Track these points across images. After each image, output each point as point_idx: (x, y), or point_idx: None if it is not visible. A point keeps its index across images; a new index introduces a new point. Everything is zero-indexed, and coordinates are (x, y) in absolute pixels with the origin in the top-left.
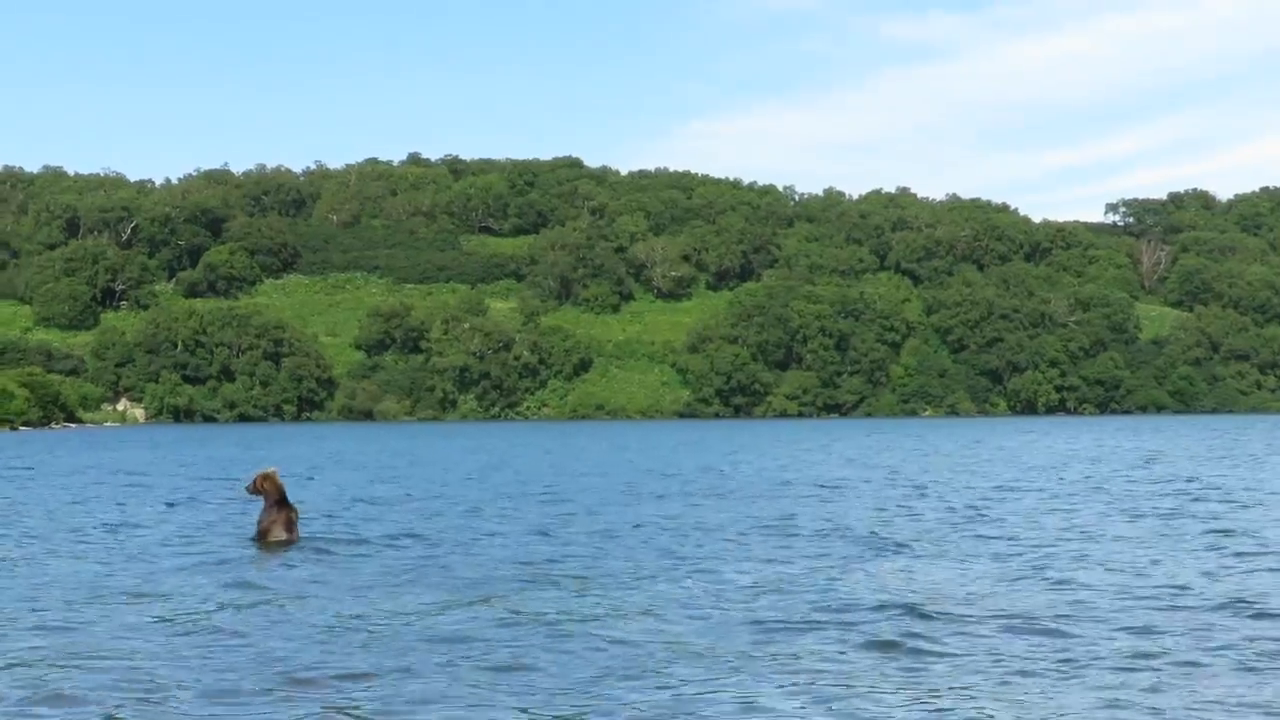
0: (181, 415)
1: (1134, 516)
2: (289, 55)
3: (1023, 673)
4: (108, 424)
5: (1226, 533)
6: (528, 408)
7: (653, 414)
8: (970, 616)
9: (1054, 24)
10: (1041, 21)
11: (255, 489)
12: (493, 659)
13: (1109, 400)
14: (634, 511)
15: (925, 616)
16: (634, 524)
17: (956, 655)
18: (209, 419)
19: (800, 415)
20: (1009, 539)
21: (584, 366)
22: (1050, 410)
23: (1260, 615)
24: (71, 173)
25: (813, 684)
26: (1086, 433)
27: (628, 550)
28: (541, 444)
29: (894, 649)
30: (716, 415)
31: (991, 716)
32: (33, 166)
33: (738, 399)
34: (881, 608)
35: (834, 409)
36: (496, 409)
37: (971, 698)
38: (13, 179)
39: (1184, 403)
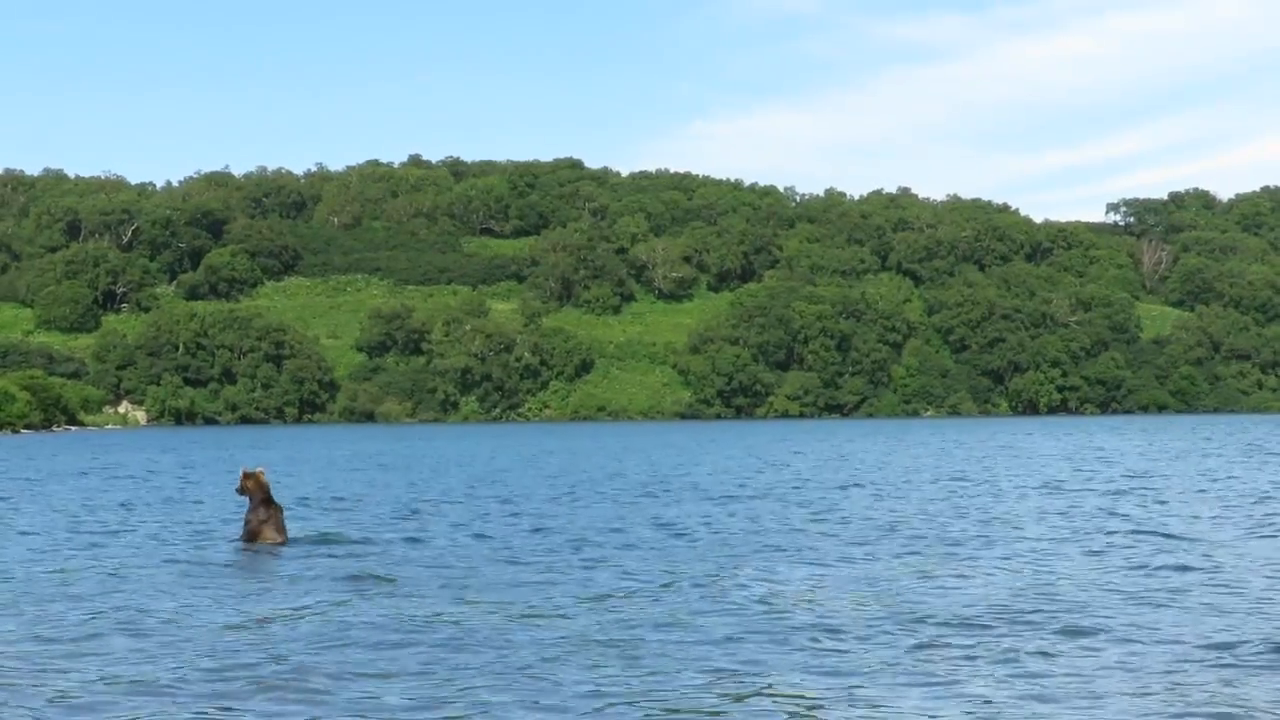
0: (183, 418)
1: (1060, 513)
2: (289, 57)
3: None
4: (109, 427)
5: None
6: (529, 409)
7: (654, 415)
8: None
9: (1055, 24)
10: (1042, 22)
11: (242, 489)
12: (337, 661)
13: (1110, 400)
14: (580, 513)
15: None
16: (568, 524)
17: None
18: (210, 421)
19: (802, 416)
20: (928, 538)
21: (585, 368)
22: (1052, 410)
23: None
24: (72, 175)
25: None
26: (1077, 432)
27: (544, 552)
28: (525, 446)
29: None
30: (718, 416)
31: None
32: (34, 169)
33: (739, 400)
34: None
35: (835, 409)
36: (498, 410)
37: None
38: (14, 182)
39: (1185, 402)
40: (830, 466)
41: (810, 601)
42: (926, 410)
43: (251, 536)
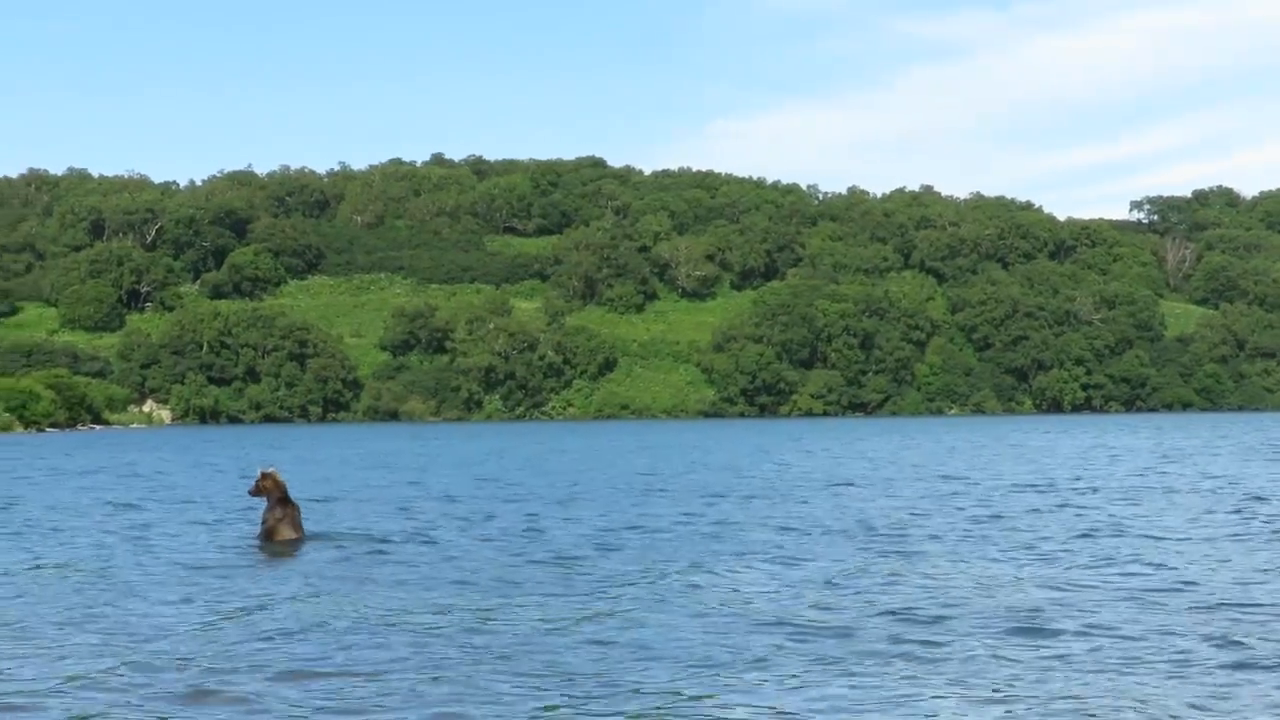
0: (207, 416)
1: (1050, 511)
2: (311, 56)
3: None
4: (134, 425)
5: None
6: (553, 408)
7: (678, 414)
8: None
9: (1078, 22)
10: (1065, 19)
11: (257, 490)
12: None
13: (1135, 398)
14: (580, 512)
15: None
16: (565, 522)
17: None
18: (235, 420)
19: (825, 414)
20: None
21: (609, 366)
22: (1076, 408)
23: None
24: (96, 175)
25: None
26: (1096, 431)
27: (537, 549)
28: (541, 446)
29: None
30: (741, 415)
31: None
32: (58, 169)
33: (763, 398)
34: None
35: (859, 408)
36: (522, 409)
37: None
38: (38, 181)
39: (1210, 400)
40: (833, 465)
41: (775, 600)
42: (950, 408)
43: (268, 534)
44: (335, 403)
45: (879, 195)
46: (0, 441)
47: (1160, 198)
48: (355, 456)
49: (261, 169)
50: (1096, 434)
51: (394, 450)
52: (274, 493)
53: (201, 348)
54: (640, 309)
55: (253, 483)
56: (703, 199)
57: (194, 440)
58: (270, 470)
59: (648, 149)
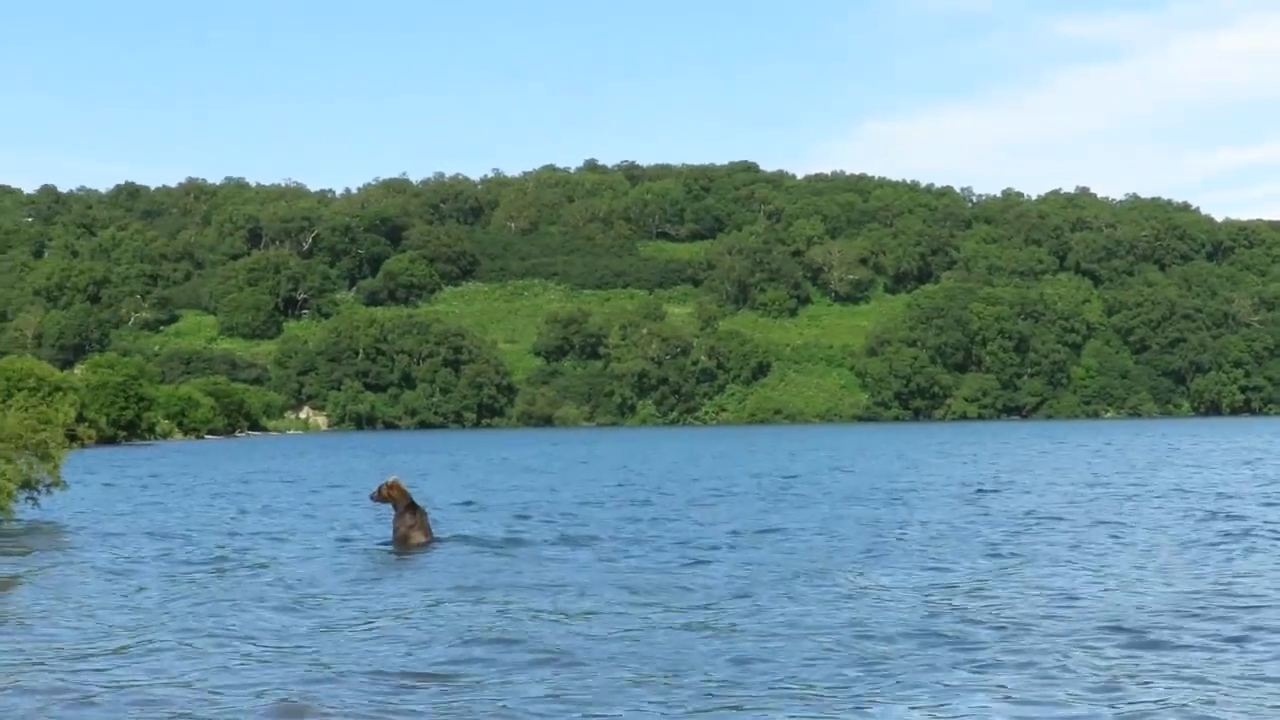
0: (363, 423)
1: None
2: (465, 64)
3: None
4: (291, 432)
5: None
6: (706, 413)
7: (832, 418)
8: None
9: (1232, 19)
10: (1220, 17)
11: (381, 497)
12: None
13: None
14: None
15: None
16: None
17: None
18: (390, 426)
19: (980, 418)
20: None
21: (762, 371)
22: (1235, 411)
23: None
24: (253, 184)
25: None
26: (1243, 434)
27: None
28: (694, 449)
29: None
30: (896, 419)
31: None
32: (216, 178)
33: (917, 402)
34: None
35: (1014, 411)
36: (675, 414)
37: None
38: (196, 190)
39: None
40: (913, 471)
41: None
42: (1107, 411)
43: (402, 540)
44: (490, 408)
45: (1034, 197)
46: (167, 449)
47: None
48: (476, 461)
49: (416, 176)
50: (1246, 438)
51: (507, 459)
52: (400, 500)
53: (357, 354)
54: (793, 313)
55: (375, 489)
56: (856, 202)
57: (345, 445)
58: (394, 479)
59: (800, 153)
